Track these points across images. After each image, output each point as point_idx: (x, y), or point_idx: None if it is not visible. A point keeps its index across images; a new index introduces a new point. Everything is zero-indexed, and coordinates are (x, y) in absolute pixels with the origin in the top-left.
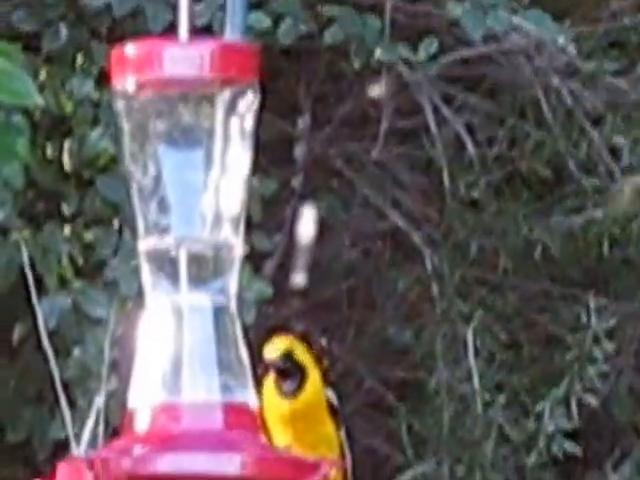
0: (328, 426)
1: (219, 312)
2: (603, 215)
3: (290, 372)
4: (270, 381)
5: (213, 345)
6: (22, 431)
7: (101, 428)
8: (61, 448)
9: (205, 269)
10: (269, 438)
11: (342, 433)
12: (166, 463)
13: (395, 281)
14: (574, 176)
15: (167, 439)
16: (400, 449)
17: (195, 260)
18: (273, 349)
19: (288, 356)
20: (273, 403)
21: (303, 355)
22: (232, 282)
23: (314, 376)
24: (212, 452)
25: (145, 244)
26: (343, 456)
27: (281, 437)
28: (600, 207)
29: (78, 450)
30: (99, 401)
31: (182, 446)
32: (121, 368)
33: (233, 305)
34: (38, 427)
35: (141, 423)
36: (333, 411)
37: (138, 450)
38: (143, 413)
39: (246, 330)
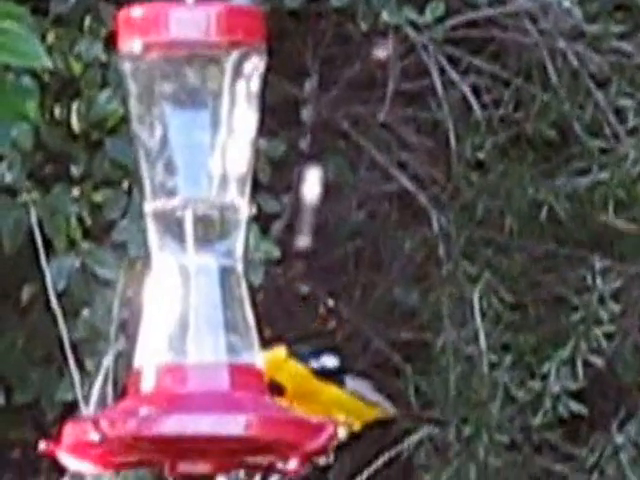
0: (326, 392)
1: (225, 273)
2: (609, 177)
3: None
4: None
5: (219, 306)
6: (30, 392)
7: (109, 389)
8: (70, 409)
9: (211, 230)
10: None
11: (350, 385)
12: (172, 424)
13: (402, 242)
14: (580, 138)
15: (173, 400)
16: (407, 410)
17: (201, 221)
18: None
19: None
20: None
21: (269, 366)
22: (238, 243)
23: (285, 368)
24: (218, 413)
25: (152, 206)
26: (365, 401)
27: None
28: (606, 169)
29: (87, 411)
30: (107, 362)
31: (188, 407)
32: (130, 329)
33: (239, 266)
34: (46, 388)
35: (147, 384)
36: (331, 373)
37: (144, 411)
38: (149, 374)
39: (253, 291)
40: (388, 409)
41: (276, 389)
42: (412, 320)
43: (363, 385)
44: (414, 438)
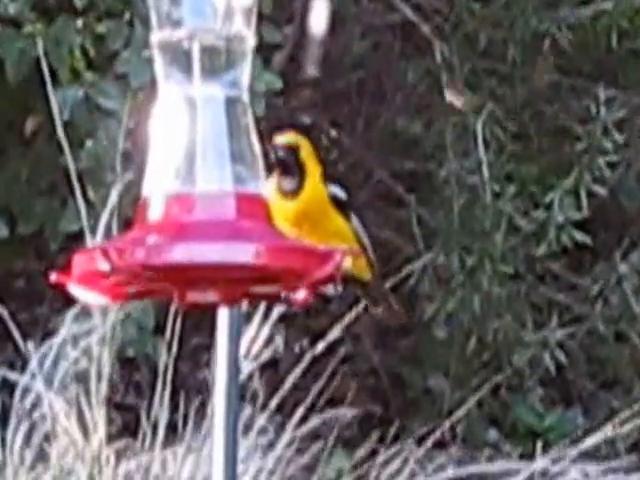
0: (336, 220)
1: (231, 103)
2: (612, 7)
3: (291, 168)
4: (272, 183)
5: (225, 136)
6: (34, 223)
7: (114, 220)
8: (73, 240)
9: (217, 61)
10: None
11: (354, 223)
12: (179, 252)
13: (405, 73)
14: None
15: (180, 229)
16: (410, 240)
17: (207, 52)
18: (281, 137)
19: (293, 150)
20: (276, 205)
21: (307, 154)
22: (244, 74)
23: (314, 175)
24: (225, 241)
25: (158, 36)
26: (361, 243)
27: None
28: None
29: (93, 241)
30: (113, 193)
31: (195, 236)
32: (134, 160)
33: (245, 96)
34: (50, 219)
35: (154, 213)
36: (340, 205)
37: (152, 240)
38: (156, 203)
39: (256, 122)
40: (371, 260)
41: (300, 167)
42: (415, 150)
43: (359, 225)
44: (417, 266)
